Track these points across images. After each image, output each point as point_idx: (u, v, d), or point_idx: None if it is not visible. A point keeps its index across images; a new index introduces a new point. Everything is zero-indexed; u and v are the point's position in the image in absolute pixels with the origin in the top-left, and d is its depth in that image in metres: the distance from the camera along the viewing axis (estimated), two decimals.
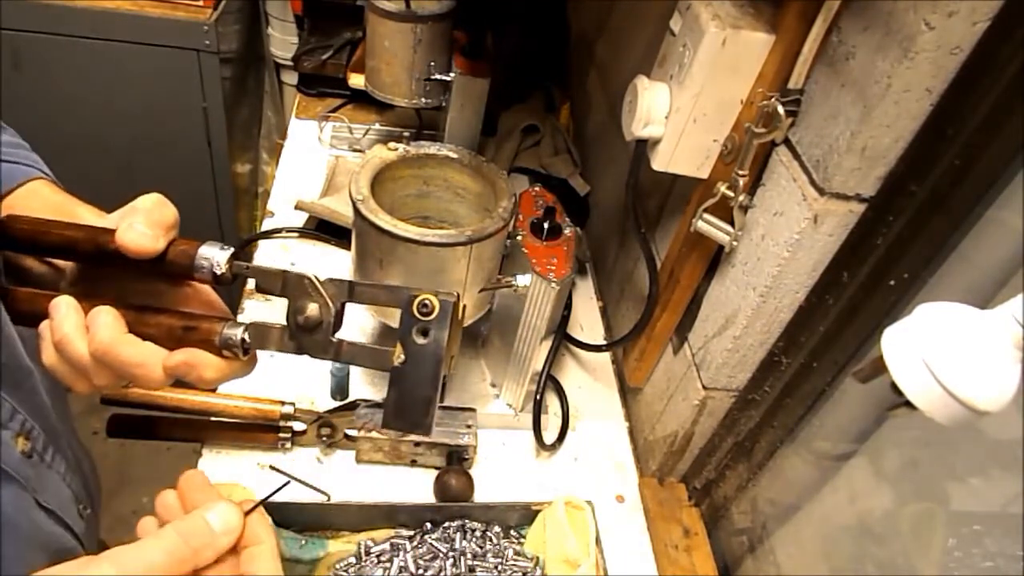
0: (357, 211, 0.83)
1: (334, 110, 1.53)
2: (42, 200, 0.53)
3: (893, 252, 0.62)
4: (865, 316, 0.67)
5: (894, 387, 0.48)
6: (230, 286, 0.50)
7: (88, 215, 0.53)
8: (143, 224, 0.47)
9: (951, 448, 0.66)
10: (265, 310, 1.10)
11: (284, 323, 0.49)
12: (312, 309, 0.48)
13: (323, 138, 1.47)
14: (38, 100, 1.51)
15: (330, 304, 0.48)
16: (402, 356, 0.46)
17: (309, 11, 1.63)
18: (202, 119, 1.57)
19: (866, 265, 0.64)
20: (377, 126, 1.45)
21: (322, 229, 1.25)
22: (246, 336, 0.48)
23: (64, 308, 0.46)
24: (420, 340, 0.46)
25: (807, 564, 0.82)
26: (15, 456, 0.48)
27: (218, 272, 0.48)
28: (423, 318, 0.45)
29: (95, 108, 1.55)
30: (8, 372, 0.48)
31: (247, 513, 0.44)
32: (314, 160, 1.41)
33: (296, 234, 1.25)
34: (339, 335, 0.49)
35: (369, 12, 1.10)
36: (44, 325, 0.47)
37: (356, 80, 1.34)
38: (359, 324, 1.09)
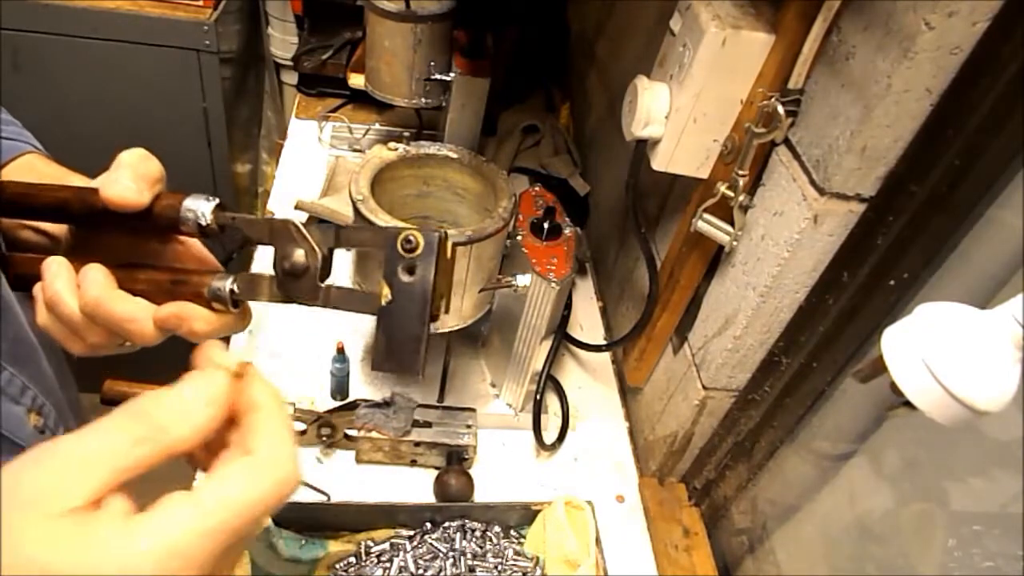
0: (357, 211, 0.83)
1: (334, 110, 1.53)
2: (36, 172, 0.54)
3: (893, 252, 0.62)
4: (865, 316, 0.67)
5: (894, 387, 0.48)
6: (219, 238, 0.50)
7: (80, 182, 0.53)
8: (128, 178, 0.47)
9: (951, 448, 0.66)
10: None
11: (272, 273, 0.48)
12: (298, 255, 0.47)
13: (323, 138, 1.47)
14: (38, 100, 1.51)
15: (316, 249, 0.47)
16: (389, 295, 0.45)
17: (309, 11, 1.63)
18: (202, 119, 1.57)
19: (866, 265, 0.64)
20: (377, 126, 1.45)
21: None
22: (235, 287, 0.48)
23: (55, 267, 0.46)
24: (406, 278, 0.45)
25: (807, 564, 0.82)
26: (28, 431, 0.49)
27: (203, 223, 0.48)
28: (408, 255, 0.44)
29: (95, 108, 1.54)
30: (16, 348, 0.49)
31: (237, 376, 0.36)
32: (314, 160, 1.41)
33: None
34: (328, 282, 0.48)
35: (369, 12, 1.10)
36: (37, 287, 0.47)
37: (356, 80, 1.34)
38: (360, 323, 1.09)
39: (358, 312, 0.48)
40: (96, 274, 0.46)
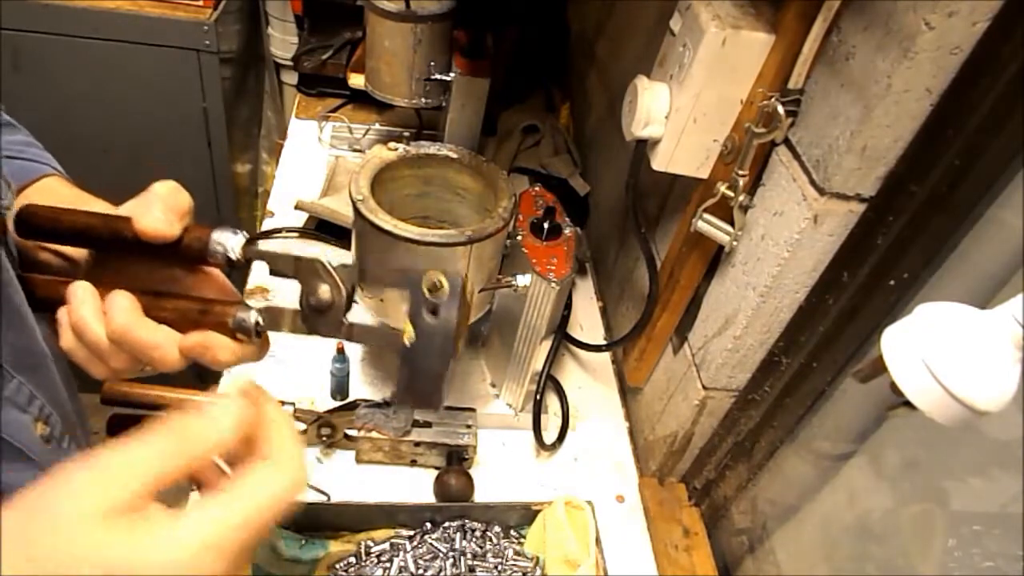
0: (357, 211, 0.83)
1: (334, 110, 1.53)
2: (56, 195, 0.54)
3: (893, 252, 0.62)
4: (865, 316, 0.67)
5: (894, 387, 0.48)
6: (244, 269, 0.51)
7: (100, 207, 0.54)
8: (160, 210, 0.48)
9: (951, 448, 0.66)
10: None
11: (296, 306, 0.50)
12: (324, 291, 0.49)
13: (323, 138, 1.47)
14: (38, 100, 1.51)
15: (341, 286, 0.49)
16: (412, 335, 0.48)
17: (309, 11, 1.63)
18: (202, 119, 1.57)
19: (866, 265, 0.64)
20: (377, 126, 1.45)
21: (322, 229, 1.25)
22: (259, 319, 0.50)
23: (81, 292, 0.47)
24: (430, 319, 0.47)
25: (807, 564, 0.82)
26: (35, 440, 0.49)
27: (232, 257, 0.49)
28: (433, 297, 0.47)
29: (95, 108, 1.54)
30: (26, 357, 0.49)
31: (247, 395, 0.40)
32: (314, 160, 1.41)
33: (296, 234, 1.25)
34: (350, 318, 0.51)
35: (369, 12, 1.10)
36: (62, 311, 0.48)
37: (356, 80, 1.34)
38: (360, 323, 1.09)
39: (380, 348, 0.49)
40: (123, 301, 0.47)
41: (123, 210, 0.51)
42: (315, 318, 0.50)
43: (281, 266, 0.50)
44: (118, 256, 0.52)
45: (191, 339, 0.48)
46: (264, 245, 0.50)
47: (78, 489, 0.32)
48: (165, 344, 0.47)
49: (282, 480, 0.36)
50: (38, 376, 0.50)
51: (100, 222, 0.50)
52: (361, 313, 0.52)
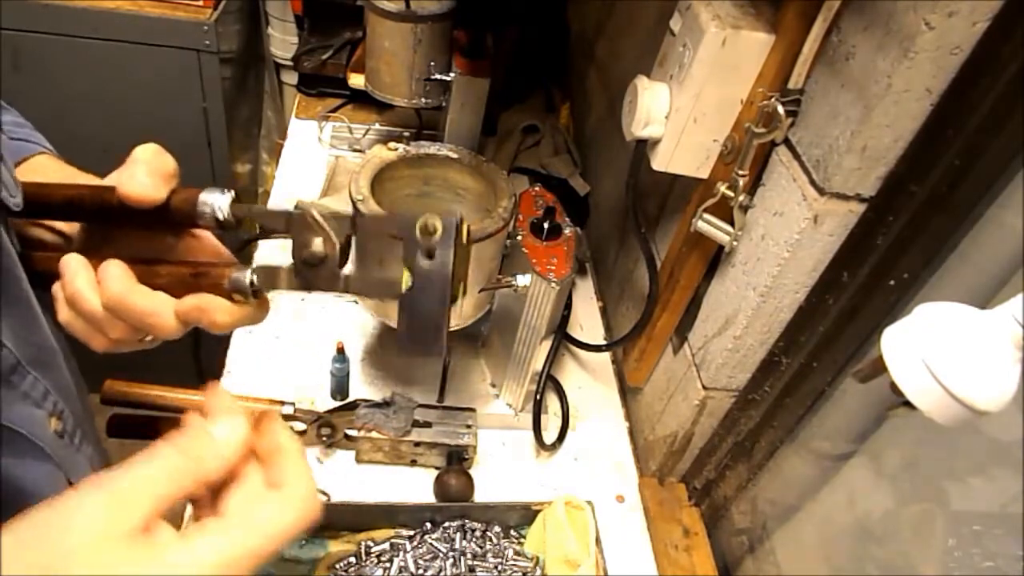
0: (357, 211, 0.83)
1: (334, 110, 1.53)
2: (47, 173, 0.54)
3: (893, 252, 0.62)
4: (865, 316, 0.67)
5: (894, 387, 0.48)
6: (234, 231, 0.51)
7: (91, 182, 0.53)
8: (144, 173, 0.47)
9: (951, 448, 0.66)
10: None
11: (290, 263, 0.49)
12: (317, 244, 0.48)
13: (323, 138, 1.47)
14: (38, 100, 1.51)
15: (334, 238, 0.48)
16: (410, 281, 0.46)
17: (309, 11, 1.63)
18: (202, 119, 1.57)
19: (866, 265, 0.64)
20: (377, 126, 1.45)
21: None
22: (255, 278, 0.49)
23: (74, 264, 0.47)
24: (426, 263, 0.46)
25: (807, 564, 0.82)
26: (49, 435, 0.49)
27: (220, 217, 0.49)
28: (427, 240, 0.45)
29: (95, 108, 1.54)
30: (40, 353, 0.49)
31: (258, 421, 0.41)
32: (314, 160, 1.41)
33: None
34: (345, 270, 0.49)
35: (369, 12, 1.10)
36: (57, 285, 0.48)
37: (356, 80, 1.34)
38: (360, 323, 1.09)
39: (379, 298, 0.48)
40: (116, 269, 0.46)
41: (109, 179, 0.51)
42: (309, 272, 0.48)
43: (272, 223, 0.49)
44: (109, 227, 0.51)
45: (187, 303, 0.47)
46: (252, 262, 0.49)
47: (90, 511, 0.33)
48: (161, 310, 0.47)
49: (293, 514, 0.37)
50: (51, 372, 0.50)
51: (87, 193, 0.50)
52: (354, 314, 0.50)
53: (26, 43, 1.43)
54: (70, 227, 0.53)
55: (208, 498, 0.39)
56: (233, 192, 0.49)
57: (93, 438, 0.59)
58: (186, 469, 0.36)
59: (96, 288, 0.46)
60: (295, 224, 0.48)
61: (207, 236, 0.53)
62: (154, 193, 0.47)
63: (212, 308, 0.47)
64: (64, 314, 0.48)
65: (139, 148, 0.49)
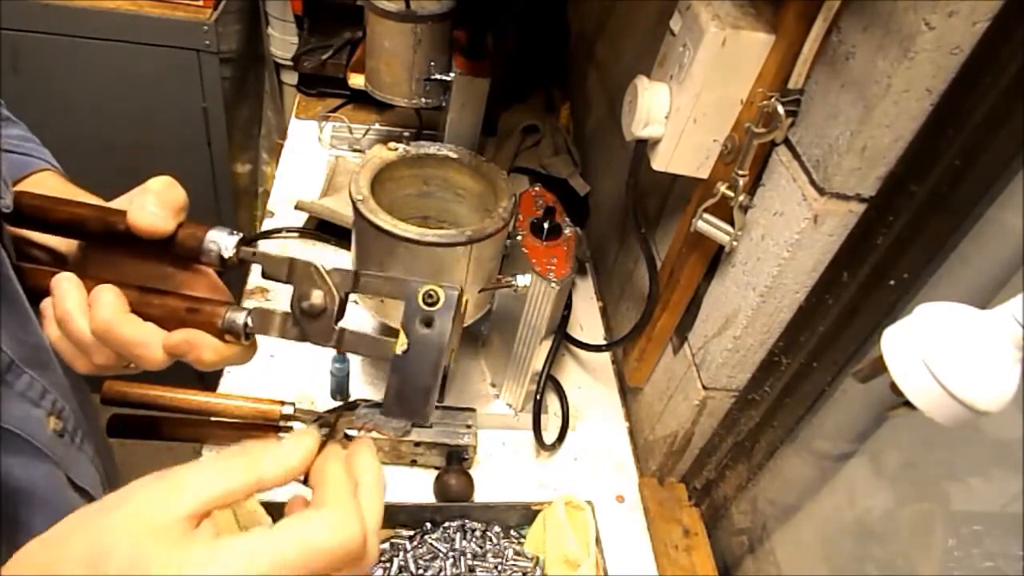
0: (357, 211, 0.83)
1: (334, 110, 1.53)
2: (50, 190, 0.54)
3: (893, 252, 0.62)
4: (865, 316, 0.67)
5: (894, 387, 0.48)
6: (235, 270, 0.51)
7: (93, 203, 0.53)
8: (155, 205, 0.47)
9: (951, 448, 0.66)
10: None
11: (287, 309, 0.49)
12: (316, 296, 0.48)
13: (323, 138, 1.47)
14: (38, 100, 1.51)
15: (335, 292, 0.48)
16: (405, 345, 0.47)
17: (309, 11, 1.63)
18: (202, 119, 1.57)
19: (866, 265, 0.64)
20: (377, 126, 1.45)
21: (322, 229, 1.25)
22: (249, 320, 0.49)
23: (65, 285, 0.47)
24: (423, 330, 0.46)
25: (807, 564, 0.82)
26: (48, 434, 0.49)
27: (226, 256, 0.49)
28: (428, 308, 0.46)
29: (95, 108, 1.54)
30: (37, 353, 0.49)
31: (327, 441, 0.42)
32: (314, 160, 1.41)
33: (296, 234, 1.25)
34: (341, 324, 0.50)
35: (369, 12, 1.10)
36: (46, 302, 0.48)
37: (356, 80, 1.34)
38: (358, 322, 1.09)
39: (371, 357, 0.49)
40: (108, 296, 0.46)
41: (117, 204, 0.51)
42: (306, 323, 0.49)
43: (274, 269, 0.49)
44: (108, 249, 0.51)
45: (176, 337, 0.47)
46: (259, 246, 0.49)
47: (144, 495, 0.35)
48: (150, 341, 0.47)
49: (331, 527, 0.36)
50: (48, 372, 0.50)
51: (93, 213, 0.50)
52: (353, 319, 0.51)
53: (26, 43, 1.43)
54: (66, 245, 0.53)
55: None
56: (241, 234, 0.49)
57: (96, 436, 0.59)
58: (244, 469, 0.37)
59: (86, 312, 0.46)
60: (297, 273, 0.49)
61: (207, 270, 0.53)
62: (163, 225, 0.47)
63: (201, 345, 0.48)
64: (52, 332, 0.48)
65: (153, 180, 0.49)
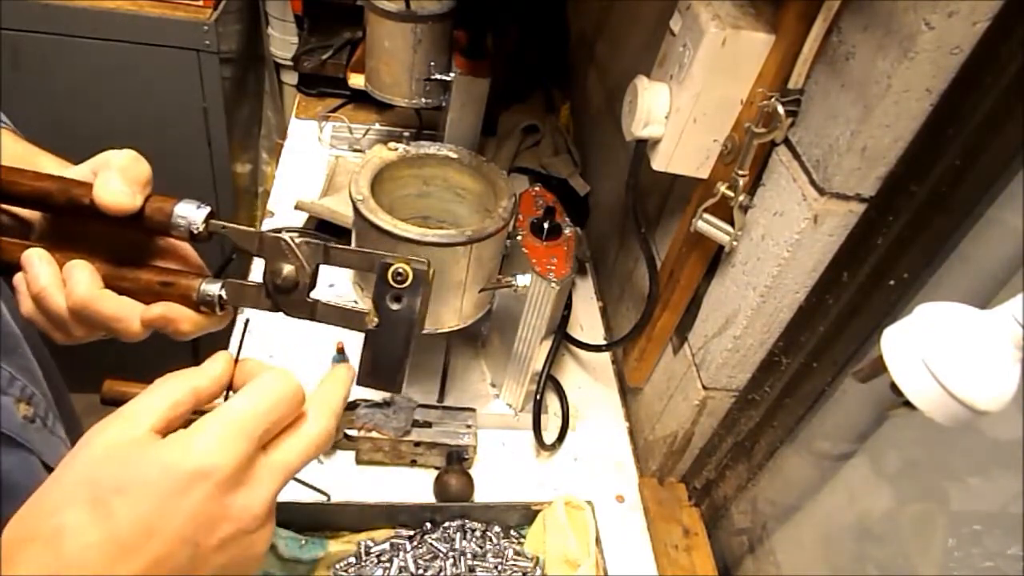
0: (357, 211, 0.83)
1: (334, 110, 1.53)
2: (2, 149, 0.53)
3: (893, 252, 0.62)
4: (865, 316, 0.67)
5: (894, 387, 0.48)
6: (206, 243, 0.51)
7: (51, 164, 0.52)
8: (119, 181, 0.47)
9: (951, 448, 0.66)
10: None
11: (261, 281, 0.50)
12: (288, 270, 0.49)
13: (323, 138, 1.47)
14: (38, 100, 1.51)
15: (306, 265, 0.49)
16: (376, 319, 0.48)
17: (309, 11, 1.63)
18: (202, 119, 1.57)
19: (866, 265, 0.64)
20: (377, 126, 1.45)
21: (322, 229, 1.25)
22: (223, 293, 0.50)
23: (37, 261, 0.47)
24: (394, 305, 0.48)
25: (807, 564, 0.82)
26: (16, 421, 0.49)
27: (195, 231, 0.49)
28: (397, 286, 0.47)
29: (95, 108, 1.54)
30: (3, 340, 0.49)
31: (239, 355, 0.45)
32: (314, 160, 1.41)
33: (296, 234, 1.25)
34: (314, 294, 0.50)
35: (369, 12, 1.10)
36: (19, 278, 0.48)
37: (356, 80, 1.34)
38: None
39: (345, 328, 0.50)
40: (82, 273, 0.46)
41: (78, 173, 0.50)
42: (278, 296, 0.50)
43: (244, 243, 0.49)
44: (76, 220, 0.51)
45: (153, 311, 0.48)
46: (252, 262, 0.50)
47: (105, 429, 0.38)
48: (127, 316, 0.47)
49: (270, 382, 0.41)
50: (15, 358, 0.50)
51: (56, 187, 0.49)
52: (325, 291, 0.52)
53: (26, 43, 1.43)
54: (31, 214, 0.52)
55: None
56: (209, 208, 0.49)
57: (69, 418, 0.59)
58: (180, 386, 0.40)
59: (62, 289, 0.46)
60: (267, 247, 0.49)
61: (181, 243, 0.53)
62: (129, 202, 0.47)
63: (178, 319, 0.49)
64: (27, 308, 0.48)
65: (114, 154, 0.48)
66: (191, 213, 0.49)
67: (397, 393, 0.47)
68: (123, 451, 0.37)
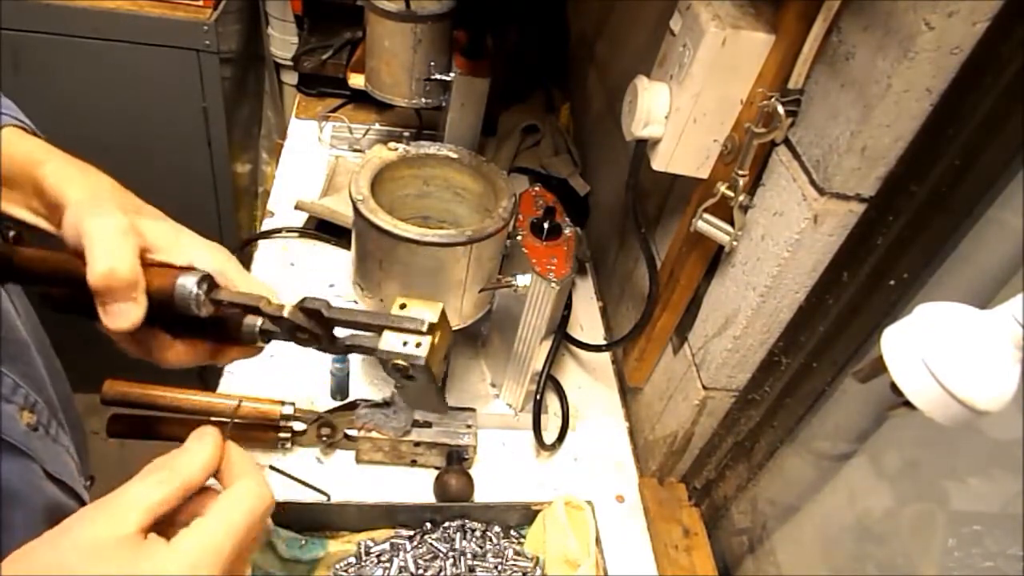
0: (357, 211, 0.83)
1: (334, 110, 1.53)
2: (12, 147, 0.52)
3: (893, 252, 0.62)
4: (865, 316, 0.67)
5: (894, 387, 0.48)
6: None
7: (57, 169, 0.50)
8: (125, 300, 0.47)
9: (951, 448, 0.66)
10: None
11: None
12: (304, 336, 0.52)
13: (323, 138, 1.47)
14: (38, 100, 1.49)
15: (316, 330, 0.51)
16: (399, 386, 0.53)
17: (309, 11, 1.63)
18: (202, 119, 1.57)
19: (866, 265, 0.64)
20: (377, 126, 1.45)
21: (322, 229, 1.25)
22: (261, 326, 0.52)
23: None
24: (407, 382, 0.51)
25: (807, 564, 0.82)
26: (20, 429, 0.48)
27: (201, 314, 0.50)
28: (403, 375, 0.50)
29: (95, 108, 1.54)
30: (8, 346, 0.49)
31: (225, 434, 0.46)
32: (314, 160, 1.41)
33: (296, 234, 1.25)
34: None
35: (369, 12, 1.10)
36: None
37: (356, 80, 1.34)
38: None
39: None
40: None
41: (89, 269, 0.47)
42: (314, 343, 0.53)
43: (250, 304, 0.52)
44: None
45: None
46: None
47: (91, 521, 0.39)
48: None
49: (248, 500, 0.42)
50: (20, 365, 0.50)
51: (63, 274, 0.48)
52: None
53: (26, 43, 1.43)
54: (50, 225, 0.52)
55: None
56: (205, 285, 0.49)
57: (73, 425, 0.59)
58: (170, 480, 0.42)
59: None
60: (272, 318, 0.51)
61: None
62: (137, 316, 0.47)
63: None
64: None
65: (117, 266, 0.45)
66: (192, 291, 0.48)
67: (444, 414, 0.52)
68: (107, 551, 0.38)
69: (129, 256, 0.46)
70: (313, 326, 0.50)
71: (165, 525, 0.41)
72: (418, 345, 0.48)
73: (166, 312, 0.48)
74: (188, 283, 0.48)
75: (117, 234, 0.46)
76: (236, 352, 0.55)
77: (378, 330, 0.49)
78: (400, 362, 0.48)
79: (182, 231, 0.53)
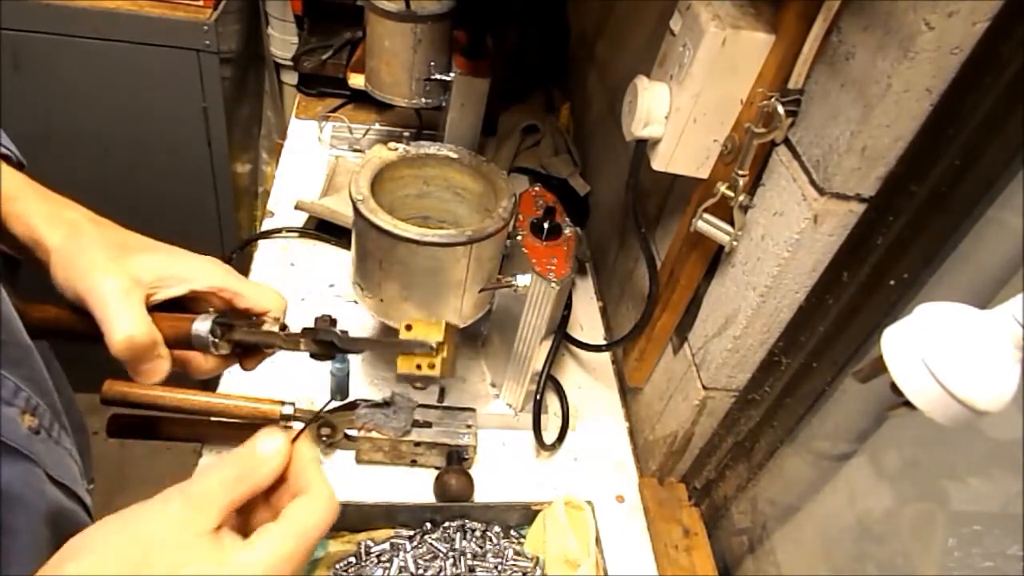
0: (357, 211, 0.83)
1: (334, 110, 1.53)
2: None
3: (893, 252, 0.62)
4: (865, 316, 0.67)
5: (894, 387, 0.48)
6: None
7: (27, 211, 0.51)
8: (146, 366, 0.51)
9: (951, 448, 0.66)
10: None
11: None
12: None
13: (323, 138, 1.47)
14: (38, 100, 1.51)
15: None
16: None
17: (309, 11, 1.63)
18: (202, 119, 1.57)
19: (866, 265, 0.64)
20: (377, 126, 1.45)
21: (322, 229, 1.25)
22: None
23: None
24: (419, 385, 0.54)
25: (807, 564, 0.82)
26: (22, 432, 0.48)
27: (219, 354, 0.55)
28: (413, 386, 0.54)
29: (95, 108, 1.54)
30: (10, 350, 0.49)
31: (293, 440, 0.47)
32: (314, 160, 1.41)
33: (296, 234, 1.25)
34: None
35: (369, 12, 1.10)
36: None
37: (356, 80, 1.34)
38: (360, 323, 1.09)
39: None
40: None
41: (104, 325, 0.50)
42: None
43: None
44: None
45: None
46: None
47: (171, 512, 0.40)
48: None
49: (322, 510, 0.43)
50: (23, 369, 0.50)
51: (66, 326, 0.51)
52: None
53: (26, 43, 1.43)
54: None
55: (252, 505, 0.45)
56: (218, 327, 0.53)
57: (75, 428, 0.59)
58: (246, 478, 0.43)
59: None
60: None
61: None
62: (165, 371, 0.52)
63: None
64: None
65: (134, 333, 0.49)
66: (205, 333, 0.52)
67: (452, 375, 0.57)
68: (186, 543, 0.39)
69: (141, 318, 0.50)
70: (326, 351, 0.54)
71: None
72: (431, 367, 0.54)
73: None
74: (202, 330, 0.51)
75: (123, 297, 0.50)
76: (261, 358, 0.61)
77: (391, 352, 0.53)
78: (417, 384, 0.52)
79: (174, 253, 0.55)
